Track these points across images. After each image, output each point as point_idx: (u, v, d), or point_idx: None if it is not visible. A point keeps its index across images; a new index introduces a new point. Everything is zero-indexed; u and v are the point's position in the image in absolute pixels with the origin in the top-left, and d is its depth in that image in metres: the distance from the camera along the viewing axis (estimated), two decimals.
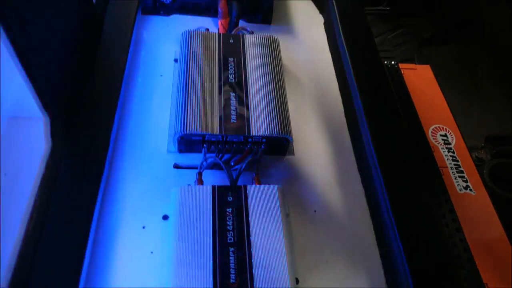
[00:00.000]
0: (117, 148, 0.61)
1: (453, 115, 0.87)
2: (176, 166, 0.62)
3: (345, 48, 0.75)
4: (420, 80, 0.92)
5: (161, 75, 0.74)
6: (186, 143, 0.61)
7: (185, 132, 0.59)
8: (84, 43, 0.60)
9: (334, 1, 0.81)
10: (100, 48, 0.63)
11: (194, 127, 0.59)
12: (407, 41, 1.36)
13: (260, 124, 0.61)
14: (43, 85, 0.43)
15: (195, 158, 0.63)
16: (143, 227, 0.55)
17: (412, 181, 0.60)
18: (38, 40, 0.44)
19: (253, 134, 0.60)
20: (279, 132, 0.61)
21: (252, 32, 0.77)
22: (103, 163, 0.53)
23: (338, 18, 0.79)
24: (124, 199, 0.57)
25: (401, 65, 0.94)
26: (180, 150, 0.63)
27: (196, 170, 0.59)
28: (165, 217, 0.56)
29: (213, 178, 0.62)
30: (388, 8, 1.32)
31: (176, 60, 0.76)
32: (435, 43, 1.37)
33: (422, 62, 1.33)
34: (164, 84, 0.72)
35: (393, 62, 0.94)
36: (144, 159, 0.62)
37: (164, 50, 0.78)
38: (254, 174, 0.59)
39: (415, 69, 0.95)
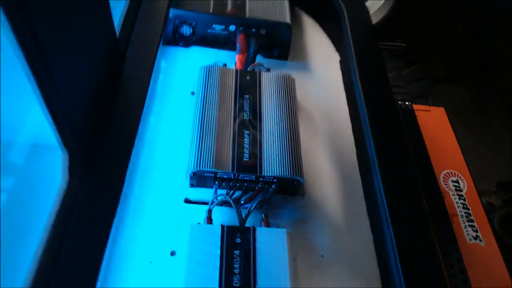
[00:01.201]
0: (132, 181, 0.62)
1: (465, 158, 0.87)
2: (187, 201, 0.63)
3: (360, 89, 0.76)
4: (434, 122, 0.93)
5: (177, 108, 0.75)
6: (198, 178, 0.62)
7: (198, 168, 0.59)
8: (105, 78, 0.62)
9: (351, 39, 0.83)
10: (121, 82, 0.64)
11: (207, 164, 0.60)
12: (421, 78, 1.37)
13: (272, 164, 0.62)
14: (63, 122, 0.44)
15: (206, 193, 0.64)
16: (150, 262, 0.56)
17: (421, 229, 0.60)
18: (60, 75, 0.45)
19: (265, 174, 0.61)
20: (290, 173, 0.61)
21: (269, 69, 0.79)
22: (117, 197, 0.53)
23: (354, 57, 0.80)
24: (133, 234, 0.57)
25: (415, 106, 0.94)
26: (192, 185, 0.64)
27: (207, 207, 0.59)
28: (173, 253, 0.56)
29: (222, 214, 0.62)
30: (403, 45, 1.33)
31: (193, 93, 0.77)
32: (449, 82, 1.37)
33: (436, 100, 1.33)
34: (180, 117, 0.73)
35: (407, 103, 0.94)
36: (156, 192, 0.63)
37: (182, 81, 0.79)
38: (263, 215, 0.59)
39: (429, 111, 0.95)
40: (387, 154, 0.67)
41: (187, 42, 0.85)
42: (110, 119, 0.60)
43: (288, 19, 0.83)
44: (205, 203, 0.63)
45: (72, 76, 0.48)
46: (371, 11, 1.52)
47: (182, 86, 0.78)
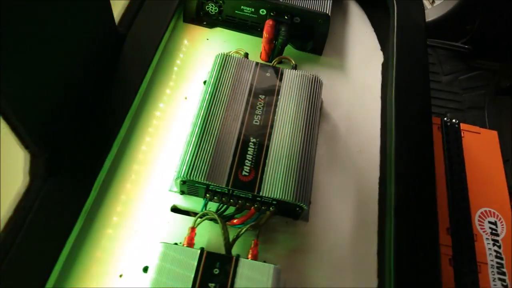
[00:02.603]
0: (112, 177, 0.56)
1: (511, 197, 0.75)
2: (174, 210, 0.57)
3: (393, 102, 0.65)
4: (482, 148, 0.80)
5: (186, 97, 0.68)
6: (189, 186, 0.55)
7: (188, 177, 0.53)
8: (92, 65, 0.54)
9: (395, 43, 0.71)
10: (116, 69, 0.56)
11: (200, 174, 0.53)
12: (481, 87, 1.21)
13: (274, 183, 0.54)
14: (18, 123, 0.37)
15: (198, 203, 0.57)
16: (120, 276, 0.50)
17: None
18: (10, 69, 0.37)
19: (263, 195, 0.53)
20: (294, 198, 0.53)
21: (296, 66, 0.69)
22: (83, 201, 0.47)
23: (394, 63, 0.69)
24: (103, 241, 0.52)
25: (463, 126, 0.81)
26: (182, 192, 0.57)
27: (191, 223, 0.53)
28: (145, 269, 0.51)
29: (211, 230, 0.56)
30: (466, 47, 1.17)
31: (205, 82, 0.69)
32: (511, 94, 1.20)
33: (493, 114, 1.17)
34: (189, 107, 0.66)
35: (454, 121, 0.81)
36: (142, 195, 0.57)
37: (197, 67, 0.71)
38: (253, 243, 0.52)
39: (479, 133, 0.82)
40: (407, 194, 0.57)
41: (212, 22, 0.76)
42: (95, 113, 0.52)
43: (328, 10, 0.72)
44: (194, 214, 0.56)
45: (31, 71, 0.41)
46: (437, 1, 1.35)
47: (196, 73, 0.71)
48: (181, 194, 0.57)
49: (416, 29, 0.70)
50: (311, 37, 0.75)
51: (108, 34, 0.52)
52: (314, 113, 0.62)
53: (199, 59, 0.73)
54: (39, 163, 0.43)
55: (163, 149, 0.62)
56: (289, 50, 0.76)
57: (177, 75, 0.70)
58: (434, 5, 1.37)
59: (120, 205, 0.55)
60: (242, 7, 0.73)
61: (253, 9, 0.73)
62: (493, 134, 0.81)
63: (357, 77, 0.76)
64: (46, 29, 0.39)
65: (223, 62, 0.64)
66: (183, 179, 0.53)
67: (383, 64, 0.78)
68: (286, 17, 0.72)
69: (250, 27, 0.76)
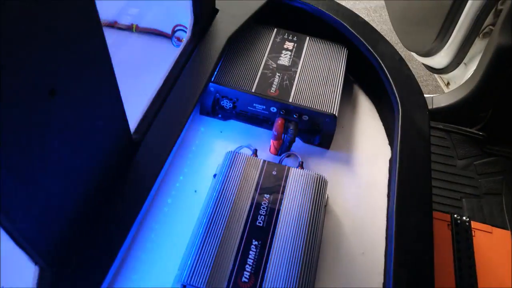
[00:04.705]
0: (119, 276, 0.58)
1: None
2: None
3: (394, 201, 0.65)
4: (494, 249, 0.78)
5: (195, 191, 0.71)
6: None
7: (189, 282, 0.54)
8: (104, 175, 0.56)
9: (398, 142, 0.72)
10: (127, 177, 0.59)
11: (200, 280, 0.54)
12: (497, 173, 1.19)
13: None
14: (26, 244, 0.40)
15: None
16: None
17: None
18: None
19: None
20: None
21: (302, 164, 0.72)
22: None
23: (397, 163, 0.70)
24: None
25: (474, 225, 0.80)
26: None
27: None
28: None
29: None
30: (481, 133, 1.17)
31: (215, 176, 0.72)
32: None
33: (509, 201, 1.15)
34: (199, 201, 0.69)
35: (464, 218, 0.81)
36: None
37: (209, 160, 0.75)
38: None
39: (491, 232, 0.80)
40: None
41: (226, 115, 0.81)
42: (101, 221, 0.55)
43: (335, 111, 0.75)
44: None
45: (41, 190, 0.42)
46: (453, 86, 1.38)
47: (209, 165, 0.74)
48: None
49: (420, 135, 0.72)
50: (318, 133, 0.78)
51: (122, 143, 0.56)
52: (317, 214, 0.63)
53: (211, 150, 0.76)
54: (47, 276, 0.46)
55: (169, 242, 0.64)
56: (297, 142, 0.79)
57: (189, 167, 0.73)
58: (450, 88, 1.40)
59: None
60: (254, 104, 0.78)
61: (264, 107, 0.77)
62: (506, 234, 0.80)
63: (364, 173, 0.78)
64: (56, 144, 0.43)
65: (232, 160, 0.68)
66: (184, 284, 0.55)
67: (390, 160, 0.79)
68: (295, 116, 0.76)
69: (261, 121, 0.80)
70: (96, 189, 0.53)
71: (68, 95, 0.42)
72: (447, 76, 1.40)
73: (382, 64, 0.81)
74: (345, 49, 0.88)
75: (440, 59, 1.32)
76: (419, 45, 1.35)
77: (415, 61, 1.77)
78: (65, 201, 0.47)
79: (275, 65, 0.81)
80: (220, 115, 0.81)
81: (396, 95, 0.77)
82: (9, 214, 0.37)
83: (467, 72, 1.31)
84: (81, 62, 0.44)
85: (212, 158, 0.75)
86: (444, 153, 1.21)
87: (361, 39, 0.86)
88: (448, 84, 1.42)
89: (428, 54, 1.33)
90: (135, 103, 0.69)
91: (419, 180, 0.68)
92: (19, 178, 0.37)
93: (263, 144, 0.77)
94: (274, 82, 0.78)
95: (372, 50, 0.84)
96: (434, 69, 1.39)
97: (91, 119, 0.47)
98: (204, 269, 0.55)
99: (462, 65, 1.32)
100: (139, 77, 0.83)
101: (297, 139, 0.78)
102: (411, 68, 0.84)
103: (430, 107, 1.25)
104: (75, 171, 0.47)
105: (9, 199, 0.36)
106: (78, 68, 0.43)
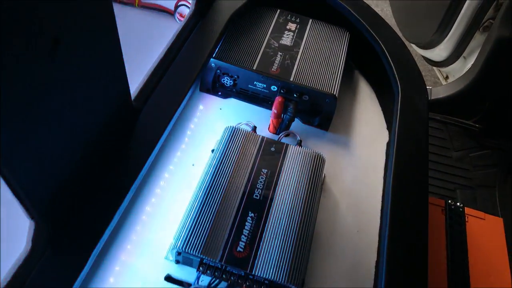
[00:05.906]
0: (110, 244, 0.58)
1: None
2: (168, 279, 0.58)
3: (390, 183, 0.66)
4: (487, 235, 0.79)
5: (193, 164, 0.71)
6: (184, 257, 0.57)
7: (184, 249, 0.54)
8: (103, 138, 0.56)
9: (397, 127, 0.73)
10: (129, 141, 0.59)
11: (195, 247, 0.54)
12: (491, 165, 1.20)
13: (267, 262, 0.55)
14: (23, 196, 0.40)
15: (192, 274, 0.58)
16: None
17: None
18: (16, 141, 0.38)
19: (255, 273, 0.54)
20: (286, 280, 0.54)
21: (301, 142, 0.72)
22: (76, 274, 0.49)
23: (395, 147, 0.70)
24: None
25: (467, 211, 0.81)
26: (177, 262, 0.58)
27: None
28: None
29: None
30: (477, 126, 1.18)
31: (213, 151, 0.72)
32: None
33: (504, 194, 1.16)
34: (196, 174, 0.69)
35: (458, 204, 0.81)
36: (137, 263, 0.58)
37: (208, 135, 0.75)
38: None
39: (483, 219, 0.81)
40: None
41: (226, 92, 0.81)
42: (101, 185, 0.55)
43: (336, 91, 0.75)
44: (188, 285, 0.57)
45: (40, 146, 0.43)
46: (451, 79, 1.38)
47: (207, 141, 0.74)
48: (176, 263, 0.59)
49: (419, 118, 0.72)
50: (318, 113, 0.78)
51: (123, 109, 0.56)
52: (314, 191, 0.63)
53: (210, 127, 0.76)
54: (42, 233, 0.46)
55: (165, 214, 0.64)
56: (296, 123, 0.79)
57: (187, 143, 0.73)
58: (448, 81, 1.41)
59: (113, 277, 0.57)
60: (255, 82, 0.78)
61: (265, 85, 0.77)
62: (498, 221, 0.81)
63: (361, 155, 0.78)
64: (58, 100, 0.42)
65: (231, 135, 0.68)
66: (178, 251, 0.55)
67: (388, 143, 0.80)
68: (295, 95, 0.76)
69: (261, 100, 0.80)
70: (95, 151, 0.52)
71: (71, 47, 0.42)
72: (446, 69, 1.41)
73: (384, 48, 0.81)
74: (347, 33, 0.88)
75: (440, 52, 1.32)
76: (420, 37, 1.36)
77: (414, 54, 1.77)
78: (64, 157, 0.47)
79: (277, 45, 0.81)
80: (220, 93, 0.81)
81: (397, 77, 0.77)
82: (10, 162, 0.37)
83: (466, 66, 1.32)
84: (85, 12, 0.43)
85: (211, 135, 0.75)
86: (440, 145, 1.22)
87: (364, 23, 0.86)
88: (447, 77, 1.43)
89: (428, 46, 1.33)
90: (136, 77, 0.69)
91: (416, 161, 0.69)
92: (21, 129, 0.37)
93: (263, 123, 0.77)
94: (276, 61, 0.78)
95: (374, 34, 0.84)
96: (434, 61, 1.40)
97: (93, 76, 0.46)
98: (200, 237, 0.55)
99: (461, 58, 1.32)
100: (140, 52, 0.83)
101: (296, 119, 0.79)
102: None
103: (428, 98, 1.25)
104: (75, 128, 0.46)
105: (10, 147, 0.36)
106: (82, 19, 0.43)
